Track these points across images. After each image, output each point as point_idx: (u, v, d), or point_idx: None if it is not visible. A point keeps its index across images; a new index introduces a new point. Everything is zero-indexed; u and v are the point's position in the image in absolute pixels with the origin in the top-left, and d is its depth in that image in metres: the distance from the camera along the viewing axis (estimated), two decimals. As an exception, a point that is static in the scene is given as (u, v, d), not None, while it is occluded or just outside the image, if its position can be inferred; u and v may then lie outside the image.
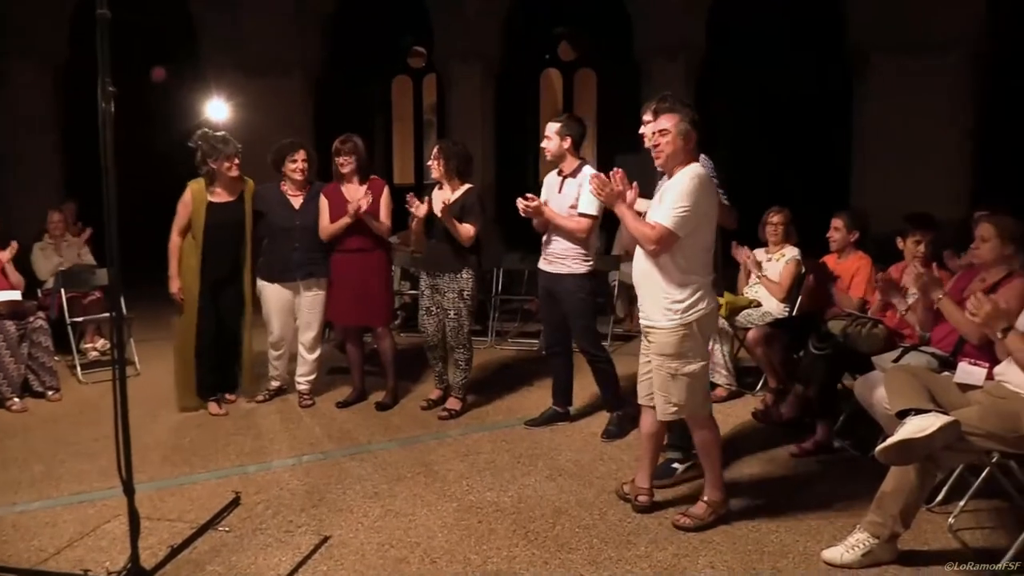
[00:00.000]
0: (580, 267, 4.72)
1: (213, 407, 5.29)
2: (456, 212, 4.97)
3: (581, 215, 4.66)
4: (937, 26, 9.44)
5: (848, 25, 10.16)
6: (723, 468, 3.71)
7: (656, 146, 3.49)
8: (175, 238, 5.11)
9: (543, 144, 4.79)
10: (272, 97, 10.71)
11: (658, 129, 3.48)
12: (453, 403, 5.26)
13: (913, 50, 9.56)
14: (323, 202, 5.29)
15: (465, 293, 5.10)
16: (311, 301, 5.39)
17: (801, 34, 11.08)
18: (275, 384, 5.63)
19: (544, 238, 4.84)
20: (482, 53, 11.39)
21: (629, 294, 7.93)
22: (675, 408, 3.51)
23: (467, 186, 5.11)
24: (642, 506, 3.73)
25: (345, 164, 5.22)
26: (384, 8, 12.62)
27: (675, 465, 4.11)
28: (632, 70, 11.12)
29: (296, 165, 5.28)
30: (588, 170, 4.73)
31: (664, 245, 3.38)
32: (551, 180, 4.87)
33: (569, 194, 4.72)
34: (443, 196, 5.07)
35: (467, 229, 5.00)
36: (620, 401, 4.85)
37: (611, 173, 3.61)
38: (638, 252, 3.57)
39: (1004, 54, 9.78)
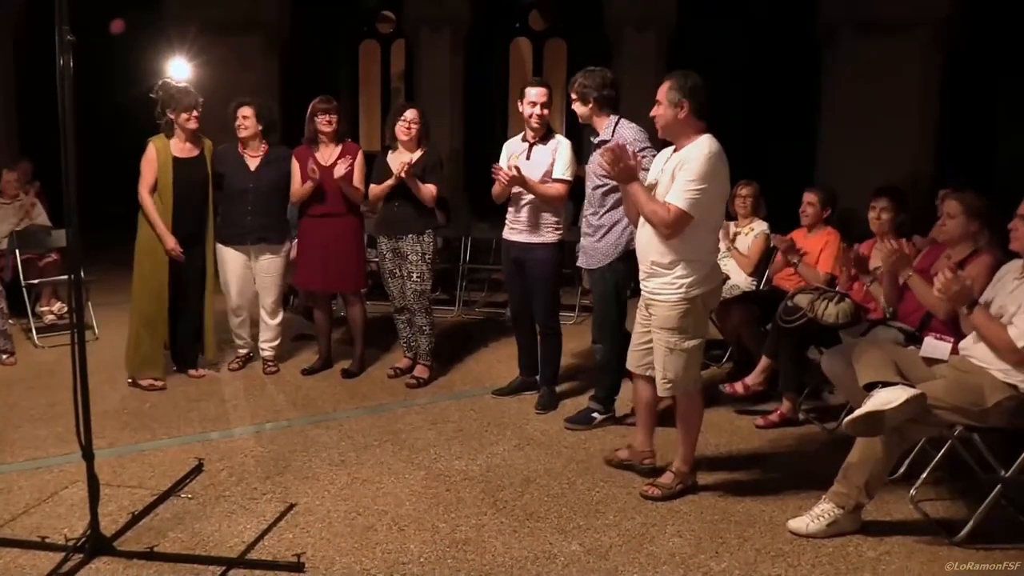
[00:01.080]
0: (552, 236, 4.69)
1: (191, 372, 5.23)
2: (418, 172, 4.91)
3: (557, 180, 4.61)
4: (906, 4, 9.50)
5: (817, 1, 10.18)
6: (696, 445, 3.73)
7: (653, 117, 3.44)
8: (147, 197, 4.85)
9: (537, 111, 4.57)
10: (235, 57, 10.40)
11: (656, 100, 3.40)
12: (421, 371, 5.22)
13: (881, 28, 9.61)
14: (294, 165, 5.19)
15: (427, 256, 5.06)
16: (266, 266, 5.29)
17: (772, 8, 11.07)
18: (243, 351, 5.53)
19: (512, 207, 4.77)
20: (452, 19, 11.21)
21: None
22: (670, 383, 3.49)
23: (423, 149, 5.04)
24: (649, 467, 3.79)
25: (330, 123, 5.11)
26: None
27: (594, 415, 4.47)
28: (603, 41, 11.02)
29: (237, 122, 5.15)
30: (563, 139, 4.70)
31: (678, 228, 3.29)
32: (515, 146, 4.78)
33: (541, 161, 4.65)
34: (400, 158, 4.97)
35: (430, 189, 4.96)
36: (556, 377, 4.90)
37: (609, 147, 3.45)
38: (643, 224, 3.48)
39: (971, 34, 9.88)
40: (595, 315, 4.53)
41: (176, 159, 4.92)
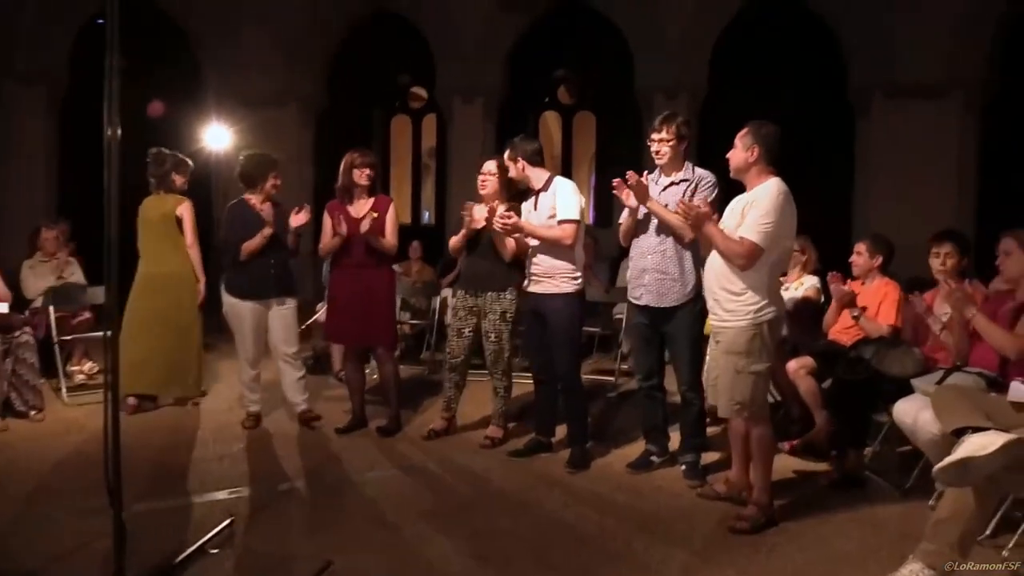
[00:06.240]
0: (569, 286, 4.49)
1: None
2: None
3: (563, 221, 4.45)
4: (937, 68, 9.49)
5: (849, 66, 10.20)
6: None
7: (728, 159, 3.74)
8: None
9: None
10: (271, 128, 10.57)
11: (733, 144, 3.70)
12: (494, 431, 4.94)
13: (913, 91, 9.59)
14: (326, 219, 5.12)
15: (508, 315, 4.81)
16: (283, 314, 5.21)
17: (803, 74, 11.10)
18: (254, 409, 5.33)
19: (528, 259, 4.62)
20: (483, 90, 11.37)
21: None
22: (738, 405, 3.61)
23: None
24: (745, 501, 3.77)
25: (367, 177, 5.02)
26: (386, 46, 12.62)
27: (653, 458, 4.45)
28: (631, 111, 11.09)
29: (279, 182, 5.26)
30: (561, 180, 4.59)
31: (752, 259, 3.51)
32: (525, 204, 4.70)
33: (545, 207, 4.53)
34: (482, 210, 4.72)
35: (512, 243, 4.70)
36: (586, 434, 4.65)
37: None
38: (713, 256, 3.68)
39: (1005, 95, 9.81)
40: (684, 361, 4.22)
41: None
